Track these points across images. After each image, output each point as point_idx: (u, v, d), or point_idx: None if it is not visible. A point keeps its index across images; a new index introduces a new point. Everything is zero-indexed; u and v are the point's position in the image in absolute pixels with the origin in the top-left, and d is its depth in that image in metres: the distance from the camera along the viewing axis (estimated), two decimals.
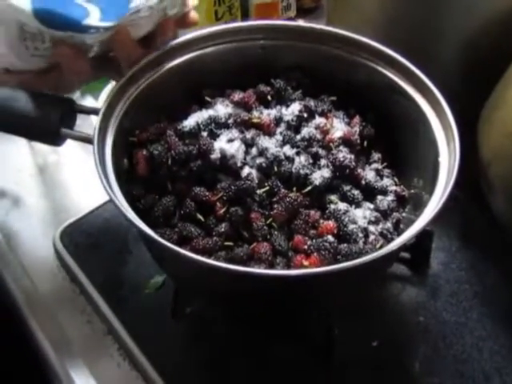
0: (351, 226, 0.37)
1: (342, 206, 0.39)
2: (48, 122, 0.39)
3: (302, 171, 0.39)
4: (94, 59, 0.41)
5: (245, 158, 0.40)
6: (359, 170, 0.41)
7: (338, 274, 0.30)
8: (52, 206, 0.54)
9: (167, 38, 0.42)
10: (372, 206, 0.40)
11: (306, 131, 0.41)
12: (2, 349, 0.52)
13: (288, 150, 0.40)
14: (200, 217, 0.38)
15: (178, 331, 0.43)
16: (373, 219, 0.39)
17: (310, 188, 0.39)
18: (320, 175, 0.39)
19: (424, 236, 0.45)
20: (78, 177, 0.56)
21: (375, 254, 0.31)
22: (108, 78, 0.47)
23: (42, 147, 0.59)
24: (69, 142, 0.43)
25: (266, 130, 0.41)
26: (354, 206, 0.39)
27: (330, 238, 0.37)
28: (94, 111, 0.40)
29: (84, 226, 0.51)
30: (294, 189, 0.39)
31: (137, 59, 0.41)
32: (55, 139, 0.40)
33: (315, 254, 0.36)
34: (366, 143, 0.43)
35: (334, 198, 0.39)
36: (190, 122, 0.41)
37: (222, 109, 0.42)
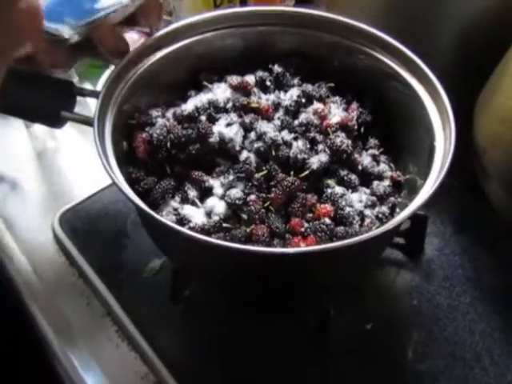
0: (347, 209, 0.38)
1: (339, 189, 0.39)
2: (48, 104, 0.39)
3: (299, 156, 0.40)
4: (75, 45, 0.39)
5: (243, 142, 0.41)
6: (356, 155, 0.41)
7: (333, 253, 0.30)
8: (50, 191, 0.55)
9: (152, 18, 0.40)
10: (368, 191, 0.41)
11: (303, 116, 0.42)
12: (1, 331, 0.53)
13: (286, 135, 0.41)
14: (197, 201, 0.38)
15: (175, 313, 0.44)
16: (369, 203, 0.39)
17: (307, 172, 0.39)
18: (317, 160, 0.40)
19: (418, 221, 0.46)
20: (77, 162, 0.56)
21: (369, 234, 0.31)
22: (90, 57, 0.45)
23: (40, 133, 0.60)
24: (67, 128, 0.43)
25: (265, 114, 0.42)
26: (350, 191, 0.40)
27: (327, 220, 0.37)
28: (94, 94, 0.40)
29: (82, 211, 0.51)
30: (292, 173, 0.39)
31: (122, 49, 0.39)
32: (55, 121, 0.41)
33: (312, 236, 0.36)
34: (362, 129, 0.43)
35: (330, 182, 0.40)
36: (188, 106, 0.42)
37: (220, 93, 0.42)
